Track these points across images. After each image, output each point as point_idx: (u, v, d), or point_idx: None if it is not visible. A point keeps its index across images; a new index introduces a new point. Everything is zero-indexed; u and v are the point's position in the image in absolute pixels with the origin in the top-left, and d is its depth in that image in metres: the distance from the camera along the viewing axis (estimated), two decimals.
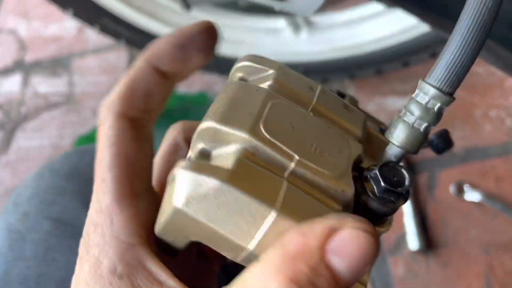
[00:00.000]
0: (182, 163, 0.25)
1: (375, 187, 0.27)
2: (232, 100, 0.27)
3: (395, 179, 0.27)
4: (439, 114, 0.28)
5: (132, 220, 0.28)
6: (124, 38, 1.09)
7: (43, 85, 1.38)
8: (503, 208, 0.98)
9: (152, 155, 0.31)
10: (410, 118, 0.28)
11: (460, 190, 1.02)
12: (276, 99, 0.28)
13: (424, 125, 0.28)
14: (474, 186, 1.02)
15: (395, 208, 0.27)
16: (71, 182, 0.48)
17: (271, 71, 0.29)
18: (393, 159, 0.28)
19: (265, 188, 0.24)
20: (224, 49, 1.08)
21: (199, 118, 0.29)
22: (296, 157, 0.25)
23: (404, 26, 0.98)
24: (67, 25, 1.45)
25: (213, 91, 1.24)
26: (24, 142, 1.31)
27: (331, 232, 0.22)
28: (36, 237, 0.44)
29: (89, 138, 1.25)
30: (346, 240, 0.22)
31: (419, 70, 1.09)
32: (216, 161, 0.25)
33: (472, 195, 1.01)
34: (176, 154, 0.35)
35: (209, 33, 0.31)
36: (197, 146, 0.26)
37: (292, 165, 0.25)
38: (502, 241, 0.97)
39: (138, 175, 0.30)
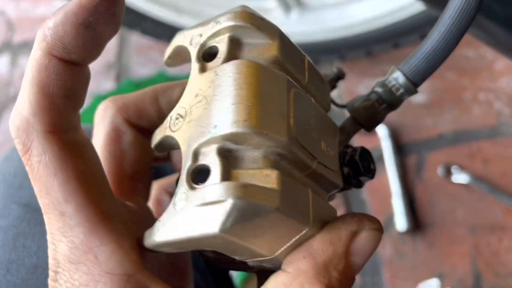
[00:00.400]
0: (230, 184, 0.22)
1: (352, 173, 0.29)
2: (259, 96, 0.23)
3: (366, 165, 0.29)
4: (402, 102, 0.31)
5: (117, 247, 0.24)
6: None
7: None
8: (490, 190, 0.99)
9: (98, 159, 0.27)
10: (378, 102, 0.30)
11: (448, 172, 1.03)
12: (294, 88, 0.26)
13: (389, 109, 0.30)
14: (462, 168, 1.03)
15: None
16: None
17: (271, 41, 0.26)
18: (351, 134, 0.31)
19: (300, 204, 0.24)
20: None
21: None
22: (317, 160, 0.26)
23: (395, 7, 0.98)
24: (55, 5, 1.43)
25: None
26: None
27: (353, 237, 0.25)
28: (4, 223, 0.42)
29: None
30: (365, 241, 0.25)
31: (410, 51, 1.09)
32: (242, 165, 0.23)
33: (459, 177, 1.02)
34: (119, 141, 0.30)
35: None
36: (211, 147, 0.23)
37: (313, 166, 0.26)
38: (489, 222, 0.98)
39: (99, 193, 0.25)
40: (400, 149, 1.07)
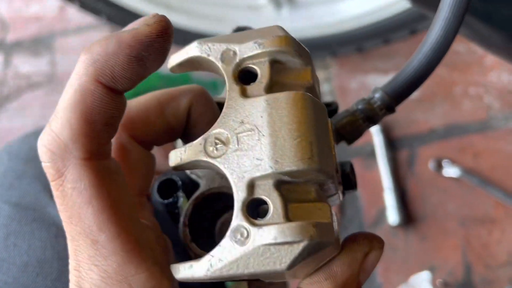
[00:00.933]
0: (303, 225, 0.23)
1: (342, 186, 0.31)
2: (316, 131, 0.24)
3: (354, 179, 0.31)
4: (381, 119, 0.33)
5: (150, 275, 0.25)
6: (104, 15, 1.08)
7: (25, 65, 1.37)
8: (480, 183, 1.00)
9: (126, 184, 0.26)
10: (363, 120, 0.33)
11: (439, 166, 1.04)
12: (329, 118, 0.27)
13: (370, 125, 0.33)
14: (453, 162, 1.04)
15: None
16: (31, 165, 0.45)
17: (305, 67, 0.27)
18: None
19: (336, 231, 0.25)
20: (206, 25, 1.08)
21: None
22: (341, 187, 0.28)
23: (384, 3, 0.98)
24: (48, 4, 1.43)
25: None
26: (6, 122, 1.30)
27: (365, 257, 0.27)
28: None
29: None
30: (374, 259, 0.27)
31: (400, 47, 1.10)
32: (295, 197, 0.24)
33: (450, 171, 1.03)
34: (126, 159, 0.29)
35: (167, 35, 0.24)
36: (267, 180, 0.24)
37: (338, 192, 0.27)
38: (479, 214, 0.99)
39: (131, 220, 0.25)
40: (391, 144, 1.08)
